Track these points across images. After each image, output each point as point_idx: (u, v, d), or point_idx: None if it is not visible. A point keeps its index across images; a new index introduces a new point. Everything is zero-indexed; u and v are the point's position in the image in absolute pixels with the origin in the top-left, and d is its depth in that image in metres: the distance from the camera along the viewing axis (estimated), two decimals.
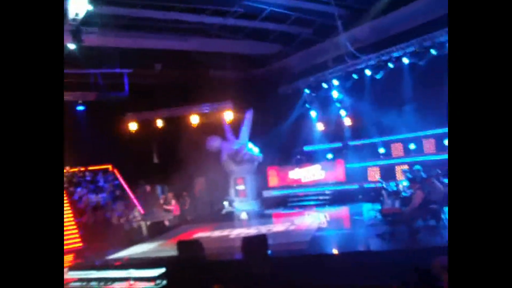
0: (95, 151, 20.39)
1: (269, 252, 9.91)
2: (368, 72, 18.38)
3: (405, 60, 17.10)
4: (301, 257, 9.80)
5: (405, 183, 13.32)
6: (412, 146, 19.09)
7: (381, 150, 20.23)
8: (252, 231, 13.99)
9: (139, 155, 21.43)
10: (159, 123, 21.90)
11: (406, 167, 16.73)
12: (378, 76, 18.10)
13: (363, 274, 7.92)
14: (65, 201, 17.66)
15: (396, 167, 18.36)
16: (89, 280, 10.22)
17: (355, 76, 19.02)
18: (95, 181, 20.15)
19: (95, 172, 20.91)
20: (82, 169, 20.76)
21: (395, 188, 13.13)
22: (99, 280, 10.11)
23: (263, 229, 13.74)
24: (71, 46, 15.01)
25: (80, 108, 20.65)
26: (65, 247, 15.19)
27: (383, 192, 12.89)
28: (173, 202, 19.17)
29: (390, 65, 17.54)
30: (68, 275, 10.98)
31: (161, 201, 18.95)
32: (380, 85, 18.27)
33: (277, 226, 14.79)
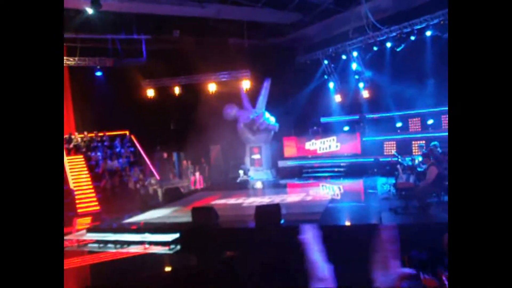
0: (112, 116, 20.61)
1: (282, 221, 10.04)
2: (388, 45, 18.07)
3: (428, 33, 16.74)
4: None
5: (421, 158, 13.25)
6: (430, 122, 18.86)
7: (398, 124, 20.05)
8: (266, 200, 14.12)
9: (156, 122, 21.61)
10: (177, 90, 21.97)
11: (423, 142, 16.58)
12: (398, 49, 17.78)
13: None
14: (83, 166, 18.00)
15: (412, 142, 18.21)
16: (106, 242, 10.54)
17: (375, 48, 18.73)
18: (112, 146, 20.42)
19: (112, 138, 21.17)
20: (100, 134, 21.02)
21: (410, 163, 13.05)
22: (115, 242, 10.41)
23: (277, 199, 13.85)
24: (90, 10, 15.01)
25: (98, 73, 20.76)
26: (83, 209, 15.61)
27: (398, 166, 12.84)
28: (198, 174, 19.58)
29: (412, 37, 17.18)
30: (87, 236, 11.33)
31: (189, 172, 19.50)
32: (400, 58, 17.98)
33: (291, 196, 14.90)
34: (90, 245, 10.69)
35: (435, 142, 12.57)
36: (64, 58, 20.04)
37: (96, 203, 16.16)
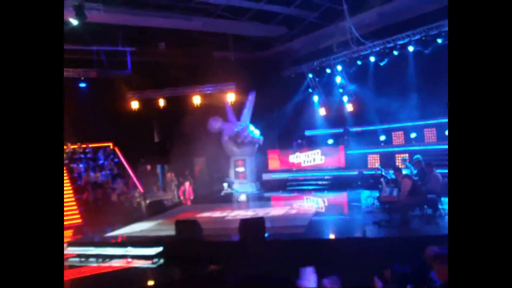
0: (96, 128, 20.41)
1: (267, 234, 10.00)
2: (372, 59, 18.31)
3: (411, 48, 17.02)
4: (298, 241, 9.88)
5: (404, 172, 13.36)
6: (413, 135, 19.07)
7: (382, 138, 20.22)
8: (250, 213, 14.07)
9: (140, 134, 21.50)
10: (161, 102, 21.89)
11: (406, 155, 16.73)
12: (382, 63, 18.02)
13: (357, 260, 8.00)
14: (65, 178, 17.73)
15: (396, 155, 18.36)
16: (88, 256, 10.38)
17: (359, 62, 18.97)
18: (96, 158, 20.20)
19: (95, 150, 20.94)
20: (83, 146, 20.79)
21: (393, 176, 13.15)
22: (97, 256, 10.26)
23: (261, 212, 13.82)
24: (74, 21, 14.92)
25: (82, 85, 20.59)
26: (64, 223, 15.30)
27: (382, 179, 12.92)
28: (187, 184, 19.35)
29: (395, 52, 17.45)
30: (67, 250, 11.13)
31: (173, 184, 19.30)
32: (383, 72, 18.21)
33: (276, 209, 14.88)
34: (71, 259, 10.49)
35: (418, 156, 12.70)
36: None
37: (78, 216, 15.90)
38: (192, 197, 19.52)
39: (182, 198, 19.43)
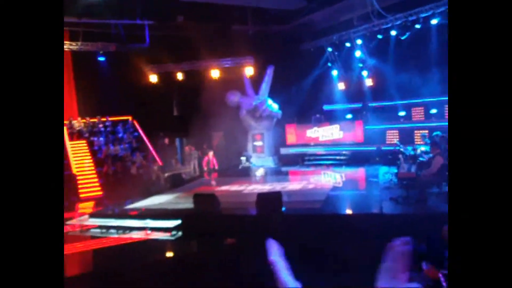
0: (115, 102, 20.60)
1: (284, 209, 10.09)
2: (393, 33, 17.92)
3: (434, 21, 16.58)
4: (315, 216, 9.95)
5: (423, 148, 13.23)
6: (433, 111, 18.79)
7: (401, 113, 19.99)
8: (267, 187, 14.17)
9: (158, 108, 21.62)
10: (180, 76, 21.90)
11: (425, 132, 16.56)
12: (403, 37, 17.65)
13: (373, 236, 8.04)
14: (85, 151, 18.05)
15: (415, 131, 18.18)
16: (108, 227, 10.61)
17: (379, 36, 18.60)
18: (115, 131, 20.44)
19: (115, 123, 21.18)
20: (103, 119, 21.03)
21: (412, 153, 13.05)
22: (117, 228, 10.48)
23: (279, 186, 13.90)
24: None
25: (101, 58, 20.68)
26: (86, 194, 15.68)
27: (400, 156, 12.84)
28: (211, 153, 19.61)
29: (417, 26, 17.04)
30: (89, 221, 11.42)
31: (193, 158, 19.63)
32: (405, 46, 17.84)
33: (293, 184, 14.95)
34: (92, 230, 10.77)
35: (438, 132, 12.54)
36: (67, 42, 19.98)
37: (99, 188, 16.24)
38: (216, 167, 19.91)
39: (206, 168, 19.80)
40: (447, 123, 17.02)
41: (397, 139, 17.34)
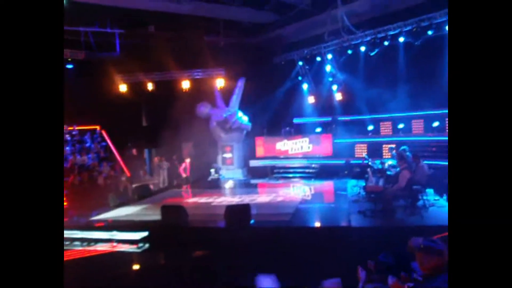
0: (83, 111, 20.20)
1: (252, 221, 10.05)
2: (362, 49, 18.28)
3: (401, 39, 17.01)
4: (283, 228, 9.94)
5: (390, 162, 13.44)
6: (401, 126, 19.16)
7: (370, 128, 20.31)
8: (236, 199, 14.11)
9: (128, 118, 21.30)
10: (150, 86, 21.68)
11: (393, 145, 16.85)
12: (372, 53, 18.02)
13: (342, 249, 8.08)
14: None
15: (383, 145, 18.48)
16: (73, 239, 10.33)
17: (349, 51, 18.94)
18: (82, 141, 20.03)
19: (82, 132, 20.75)
20: (70, 128, 20.58)
21: (380, 166, 13.26)
22: (82, 240, 10.21)
23: (247, 199, 13.86)
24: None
25: (69, 66, 20.29)
26: None
27: (369, 169, 13.01)
28: (188, 160, 20.10)
29: (386, 43, 17.44)
30: None
31: (161, 169, 19.43)
32: (373, 62, 18.22)
33: (262, 196, 14.93)
34: None
35: (405, 147, 12.78)
36: None
37: (64, 199, 15.81)
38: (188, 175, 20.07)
39: (184, 175, 19.73)
40: (414, 138, 17.48)
41: (366, 153, 17.58)
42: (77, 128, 20.70)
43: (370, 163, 13.81)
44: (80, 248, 9.76)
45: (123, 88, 21.45)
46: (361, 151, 19.31)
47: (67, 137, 19.88)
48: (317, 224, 10.90)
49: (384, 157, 16.58)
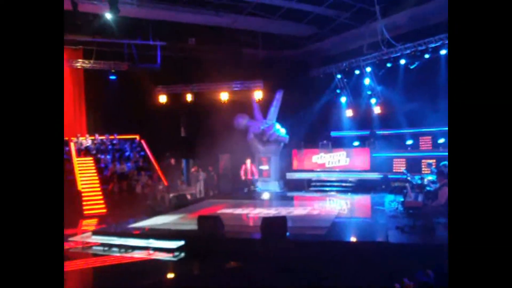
0: (124, 120, 20.81)
1: (288, 234, 9.99)
2: (402, 62, 18.03)
3: (443, 52, 16.68)
4: (319, 242, 9.84)
5: (430, 178, 13.14)
6: (441, 141, 18.72)
7: (409, 142, 19.95)
8: (272, 211, 14.08)
9: (166, 128, 21.75)
10: (189, 97, 22.05)
11: (433, 161, 16.46)
12: (412, 66, 17.74)
13: (378, 264, 7.92)
14: (92, 168, 18.10)
15: (422, 160, 18.08)
16: (111, 245, 10.54)
17: (389, 64, 18.72)
18: (122, 150, 20.52)
19: (122, 141, 21.29)
20: (111, 137, 21.15)
21: (419, 182, 12.96)
22: (120, 246, 10.41)
23: (284, 211, 13.80)
24: (108, 15, 15.19)
25: (112, 77, 20.92)
26: (90, 212, 15.66)
27: (407, 184, 12.75)
28: (248, 161, 19.67)
29: (427, 55, 17.14)
30: (92, 238, 11.35)
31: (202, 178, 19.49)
32: (413, 75, 17.93)
33: (298, 209, 14.84)
34: (94, 247, 10.70)
35: (445, 162, 12.46)
36: (80, 60, 20.32)
37: (103, 205, 16.22)
38: (256, 177, 19.75)
39: (243, 178, 19.53)
40: None
41: (404, 168, 17.25)
42: (117, 137, 21.24)
43: (409, 178, 13.53)
44: (118, 255, 9.95)
45: (163, 99, 21.90)
46: (399, 165, 18.97)
47: (108, 145, 20.42)
48: (353, 239, 10.73)
49: (423, 172, 16.22)
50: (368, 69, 19.77)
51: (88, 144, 19.97)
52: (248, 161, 19.01)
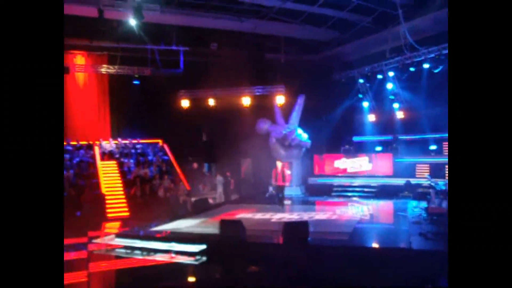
0: (146, 125, 21.08)
1: (309, 239, 9.96)
2: (426, 66, 17.80)
3: None
4: (340, 247, 9.78)
5: None
6: None
7: (432, 147, 19.69)
8: (294, 216, 14.04)
9: (189, 132, 21.91)
10: (211, 102, 22.19)
11: None
12: (436, 70, 17.50)
13: (400, 271, 7.84)
14: (115, 171, 18.37)
15: (446, 166, 17.81)
16: (134, 248, 10.67)
17: (412, 68, 18.50)
18: (145, 154, 20.76)
19: (145, 146, 21.54)
20: (134, 141, 21.43)
21: (443, 188, 12.78)
22: (142, 249, 10.53)
23: (305, 216, 13.75)
24: (132, 21, 15.44)
25: (136, 82, 21.20)
26: (113, 214, 15.88)
27: (431, 190, 12.59)
28: (280, 164, 16.40)
29: None
30: (115, 241, 11.50)
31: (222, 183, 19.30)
32: (437, 79, 17.67)
33: (320, 214, 14.77)
34: (117, 250, 10.84)
35: None
36: (105, 66, 20.67)
37: (126, 209, 16.42)
38: (287, 183, 17.05)
39: (274, 183, 16.66)
40: None
41: (428, 173, 17.02)
42: (140, 141, 21.51)
43: (432, 183, 13.34)
44: (140, 257, 10.06)
45: (185, 103, 22.08)
46: (422, 171, 18.73)
47: (132, 149, 20.69)
48: (375, 245, 10.63)
49: (447, 178, 15.97)
50: (391, 74, 19.58)
51: (111, 148, 20.27)
52: (279, 164, 16.51)
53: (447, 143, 18.85)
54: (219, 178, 19.97)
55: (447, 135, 17.57)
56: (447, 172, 17.26)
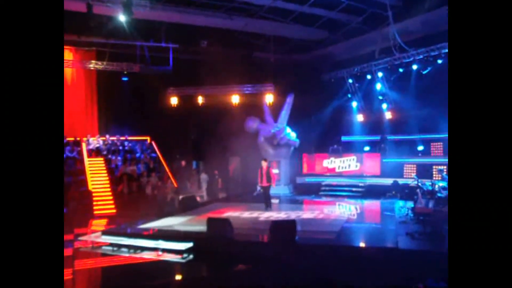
0: (135, 121, 20.94)
1: (297, 238, 9.97)
2: (415, 67, 17.92)
3: None
4: (328, 246, 9.80)
5: (441, 184, 13.04)
6: None
7: (420, 148, 19.83)
8: (282, 215, 14.05)
9: (177, 130, 21.83)
10: (200, 99, 22.12)
11: (444, 167, 16.33)
12: (425, 72, 17.62)
13: (387, 270, 7.88)
14: (103, 168, 18.22)
15: (433, 166, 17.94)
16: (120, 246, 10.59)
17: (401, 69, 18.61)
18: (133, 151, 20.63)
19: (133, 143, 21.41)
20: (122, 138, 21.28)
21: (430, 188, 12.87)
22: (129, 247, 10.46)
23: (293, 215, 13.77)
24: (122, 17, 15.32)
25: (125, 79, 21.04)
26: (100, 212, 15.76)
27: (418, 190, 12.66)
28: (265, 164, 15.30)
29: (439, 61, 17.02)
30: (101, 238, 11.42)
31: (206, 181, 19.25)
32: (426, 81, 17.80)
33: (307, 213, 14.80)
34: (104, 247, 10.76)
35: None
36: (93, 62, 20.47)
37: (113, 206, 16.30)
38: (274, 185, 15.86)
39: (260, 184, 15.71)
40: None
41: (415, 174, 17.13)
42: (128, 138, 21.37)
43: (420, 184, 13.43)
44: (127, 255, 9.99)
45: (174, 101, 22.00)
46: (410, 171, 18.85)
47: (119, 146, 20.54)
48: (363, 244, 10.67)
49: (434, 178, 16.09)
50: (380, 74, 19.69)
51: (99, 145, 20.10)
52: (264, 164, 15.40)
53: (438, 143, 19.21)
54: (204, 176, 19.89)
55: (434, 136, 17.68)
56: (434, 172, 17.40)
